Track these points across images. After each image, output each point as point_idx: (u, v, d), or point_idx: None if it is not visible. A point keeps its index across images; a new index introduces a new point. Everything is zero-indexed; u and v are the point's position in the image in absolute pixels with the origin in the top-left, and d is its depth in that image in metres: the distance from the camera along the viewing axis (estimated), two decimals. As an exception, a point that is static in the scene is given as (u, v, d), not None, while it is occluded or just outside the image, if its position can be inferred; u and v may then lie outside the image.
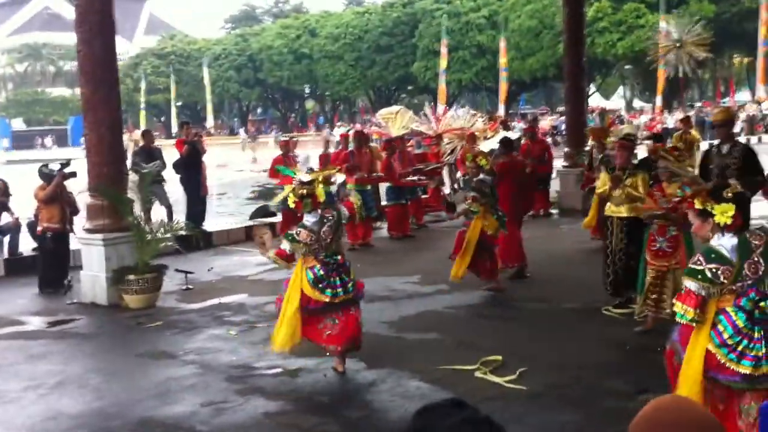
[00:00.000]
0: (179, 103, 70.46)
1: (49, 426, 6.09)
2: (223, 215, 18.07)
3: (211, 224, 14.81)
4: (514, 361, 6.81)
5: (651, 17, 41.78)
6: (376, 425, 5.84)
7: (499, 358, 6.91)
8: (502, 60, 45.74)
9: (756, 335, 4.40)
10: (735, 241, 4.45)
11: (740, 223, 4.52)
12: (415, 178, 14.49)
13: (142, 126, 56.12)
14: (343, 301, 6.70)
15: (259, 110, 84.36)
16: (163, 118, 74.22)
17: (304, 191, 6.56)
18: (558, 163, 17.05)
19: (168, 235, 10.49)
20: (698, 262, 4.46)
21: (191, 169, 14.19)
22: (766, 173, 8.64)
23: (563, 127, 27.67)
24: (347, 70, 59.63)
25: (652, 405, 1.71)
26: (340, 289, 6.65)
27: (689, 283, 4.45)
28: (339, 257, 6.76)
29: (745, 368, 4.39)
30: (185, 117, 65.17)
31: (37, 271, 10.99)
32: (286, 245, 6.63)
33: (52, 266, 10.80)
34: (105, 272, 9.69)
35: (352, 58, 59.23)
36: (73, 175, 10.99)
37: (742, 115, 38.94)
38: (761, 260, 4.44)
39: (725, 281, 4.39)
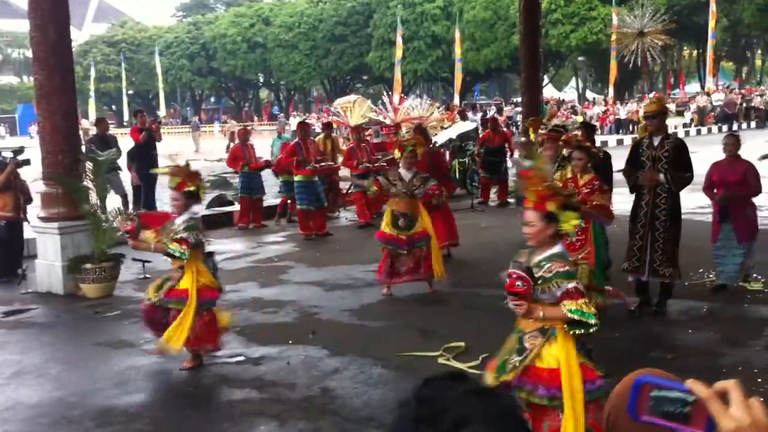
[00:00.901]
0: (130, 92, 69.41)
1: (8, 415, 5.99)
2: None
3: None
4: (477, 348, 6.87)
5: (603, 9, 42.36)
6: (340, 412, 5.85)
7: (462, 344, 6.97)
8: (457, 51, 45.93)
9: None
10: (561, 249, 4.46)
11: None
12: (372, 165, 14.49)
13: (92, 114, 55.17)
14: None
15: (212, 99, 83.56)
16: (114, 107, 73.09)
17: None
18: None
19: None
20: (565, 265, 4.37)
21: (146, 158, 14.03)
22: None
23: (518, 117, 27.95)
24: (302, 60, 59.30)
25: (631, 375, 1.74)
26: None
27: (574, 284, 4.31)
28: None
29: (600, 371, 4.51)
30: (137, 105, 64.39)
31: (-10, 261, 10.78)
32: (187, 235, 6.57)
33: (5, 255, 10.60)
34: (61, 261, 9.56)
35: (306, 47, 58.92)
36: (27, 162, 10.80)
37: (693, 107, 39.65)
38: None
39: None
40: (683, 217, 8.06)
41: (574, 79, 61.60)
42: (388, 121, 17.14)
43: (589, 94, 56.07)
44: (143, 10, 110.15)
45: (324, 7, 58.95)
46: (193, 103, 76.40)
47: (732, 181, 8.43)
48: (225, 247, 12.66)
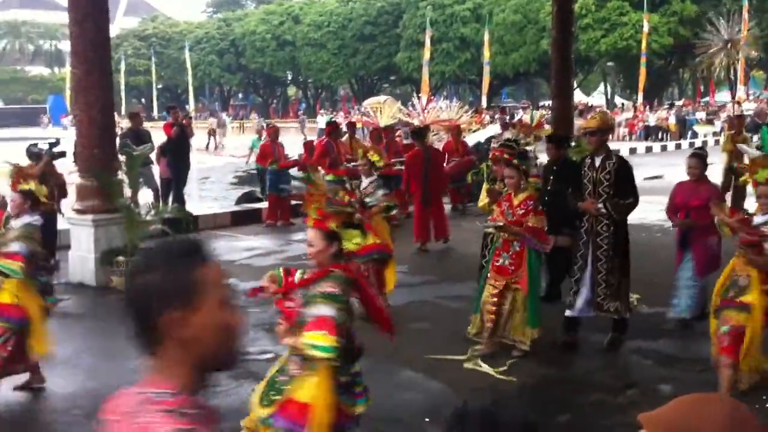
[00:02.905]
0: (160, 86, 69.95)
1: (41, 405, 6.11)
2: (206, 199, 18.01)
3: (196, 208, 14.79)
4: (504, 353, 6.91)
5: (634, 15, 42.12)
6: (370, 413, 5.84)
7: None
8: (486, 54, 45.86)
9: (354, 369, 4.24)
10: (338, 271, 4.16)
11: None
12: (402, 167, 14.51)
13: (123, 108, 55.64)
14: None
15: (240, 95, 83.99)
16: (143, 100, 73.69)
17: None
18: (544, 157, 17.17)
19: (156, 218, 10.50)
20: (335, 287, 4.04)
21: (179, 153, 14.17)
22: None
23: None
24: (330, 58, 59.49)
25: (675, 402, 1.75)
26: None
27: (326, 310, 3.97)
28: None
29: (360, 407, 4.30)
30: (165, 100, 64.82)
31: (23, 251, 10.91)
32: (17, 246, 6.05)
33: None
34: (94, 253, 9.69)
35: (335, 46, 59.11)
36: (62, 155, 10.93)
37: (723, 115, 39.35)
38: None
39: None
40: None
41: (602, 84, 61.29)
42: (417, 122, 17.18)
43: (618, 100, 55.74)
44: (174, 5, 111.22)
45: (354, 7, 59.11)
46: (221, 99, 76.85)
47: (694, 207, 7.47)
48: (253, 243, 12.78)
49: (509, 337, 6.92)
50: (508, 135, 8.79)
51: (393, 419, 5.73)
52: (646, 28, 39.84)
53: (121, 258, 9.59)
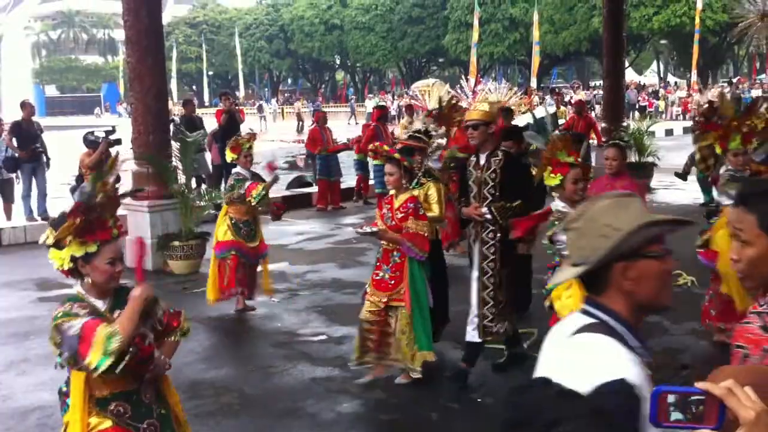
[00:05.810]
0: (210, 73, 70.67)
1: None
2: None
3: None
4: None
5: (687, -8, 41.30)
6: (420, 392, 5.97)
7: (534, 331, 6.98)
8: (535, 33, 45.36)
9: None
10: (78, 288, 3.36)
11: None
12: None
13: (175, 95, 56.36)
14: None
15: (289, 81, 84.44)
16: (194, 87, 74.54)
17: None
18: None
19: (210, 203, 10.69)
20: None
21: (230, 139, 14.34)
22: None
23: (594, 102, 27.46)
24: (378, 42, 59.43)
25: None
26: None
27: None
28: None
29: None
30: (216, 86, 65.53)
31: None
32: None
33: (97, 231, 11.02)
34: (150, 238, 9.89)
35: (383, 29, 59.01)
36: (118, 142, 11.18)
37: (779, 93, 38.46)
38: None
39: None
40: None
41: (655, 62, 60.24)
42: (465, 105, 17.09)
43: (671, 78, 54.80)
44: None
45: (401, -11, 58.91)
46: (270, 85, 77.38)
47: None
48: (304, 227, 12.93)
49: (400, 360, 6.02)
50: (418, 125, 7.64)
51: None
52: (699, 5, 38.99)
53: (176, 243, 9.79)
